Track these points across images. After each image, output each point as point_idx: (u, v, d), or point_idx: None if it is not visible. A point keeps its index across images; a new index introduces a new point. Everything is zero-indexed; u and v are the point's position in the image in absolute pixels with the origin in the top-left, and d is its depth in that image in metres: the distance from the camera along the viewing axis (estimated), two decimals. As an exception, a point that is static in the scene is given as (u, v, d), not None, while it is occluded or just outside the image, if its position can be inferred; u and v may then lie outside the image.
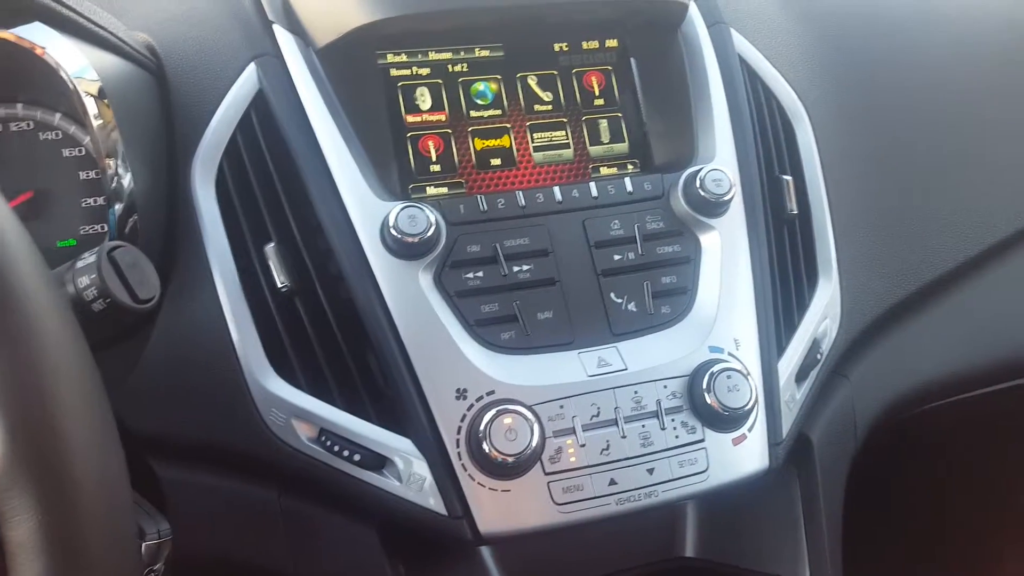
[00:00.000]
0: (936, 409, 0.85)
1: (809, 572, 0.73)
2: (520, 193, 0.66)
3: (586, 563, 0.76)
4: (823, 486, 0.74)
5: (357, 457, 0.60)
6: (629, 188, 0.68)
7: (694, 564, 0.77)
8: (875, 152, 0.81)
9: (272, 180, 0.63)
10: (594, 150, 0.73)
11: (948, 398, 0.86)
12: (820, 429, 0.74)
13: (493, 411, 0.58)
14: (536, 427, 0.58)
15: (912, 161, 0.83)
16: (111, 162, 0.62)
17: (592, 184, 0.67)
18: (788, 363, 0.69)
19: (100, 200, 0.68)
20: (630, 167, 0.74)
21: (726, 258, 0.67)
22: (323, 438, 0.61)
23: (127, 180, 0.63)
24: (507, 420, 0.58)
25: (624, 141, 0.74)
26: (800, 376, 0.70)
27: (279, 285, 0.61)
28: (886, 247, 0.80)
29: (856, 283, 0.76)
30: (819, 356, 0.71)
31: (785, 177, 0.74)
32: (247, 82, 0.65)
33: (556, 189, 0.66)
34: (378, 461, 0.61)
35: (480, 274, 0.63)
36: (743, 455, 0.64)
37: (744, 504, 0.73)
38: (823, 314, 0.73)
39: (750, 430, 0.64)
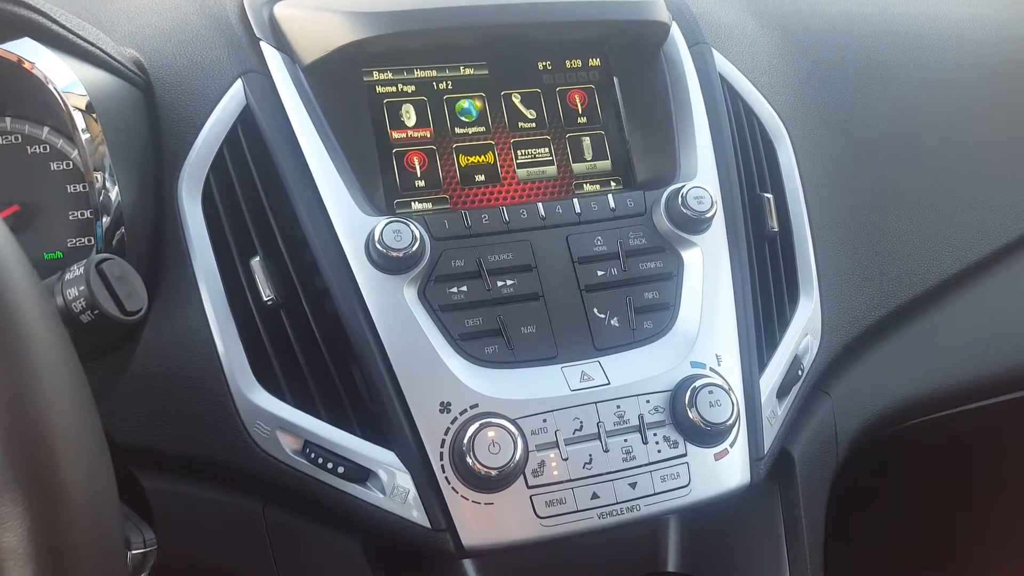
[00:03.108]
0: (917, 426, 0.86)
1: None
2: (504, 209, 0.66)
3: None
4: (804, 501, 0.74)
5: (341, 469, 0.60)
6: (612, 205, 0.69)
7: None
8: (855, 170, 0.83)
9: (258, 195, 0.64)
10: (577, 167, 0.74)
11: (929, 415, 0.86)
12: (801, 445, 0.75)
13: (476, 424, 0.58)
14: (519, 440, 0.59)
15: (892, 179, 0.84)
16: (98, 176, 0.63)
17: (575, 200, 0.68)
18: (769, 379, 0.70)
19: (87, 213, 0.68)
20: (613, 184, 0.74)
21: (708, 274, 0.68)
22: (307, 450, 0.61)
23: (114, 194, 0.63)
24: (490, 433, 0.58)
25: (607, 158, 0.75)
26: (781, 392, 0.71)
27: (265, 299, 0.62)
28: (866, 264, 0.81)
29: (837, 300, 0.77)
30: (800, 372, 0.72)
31: (766, 195, 0.75)
32: (234, 98, 0.66)
33: (540, 205, 0.67)
34: (362, 473, 0.61)
35: (464, 289, 0.63)
36: (725, 470, 0.65)
37: (726, 519, 0.72)
38: (804, 330, 0.74)
39: (732, 445, 0.65)
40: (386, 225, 0.61)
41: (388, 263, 0.61)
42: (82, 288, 0.47)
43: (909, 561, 1.07)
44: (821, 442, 0.76)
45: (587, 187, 0.74)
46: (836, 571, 0.79)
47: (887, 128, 0.85)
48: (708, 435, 0.63)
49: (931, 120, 0.89)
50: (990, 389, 0.90)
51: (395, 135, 0.70)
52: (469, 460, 0.58)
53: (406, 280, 0.62)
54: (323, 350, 0.62)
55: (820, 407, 0.77)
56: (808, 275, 0.76)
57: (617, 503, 0.61)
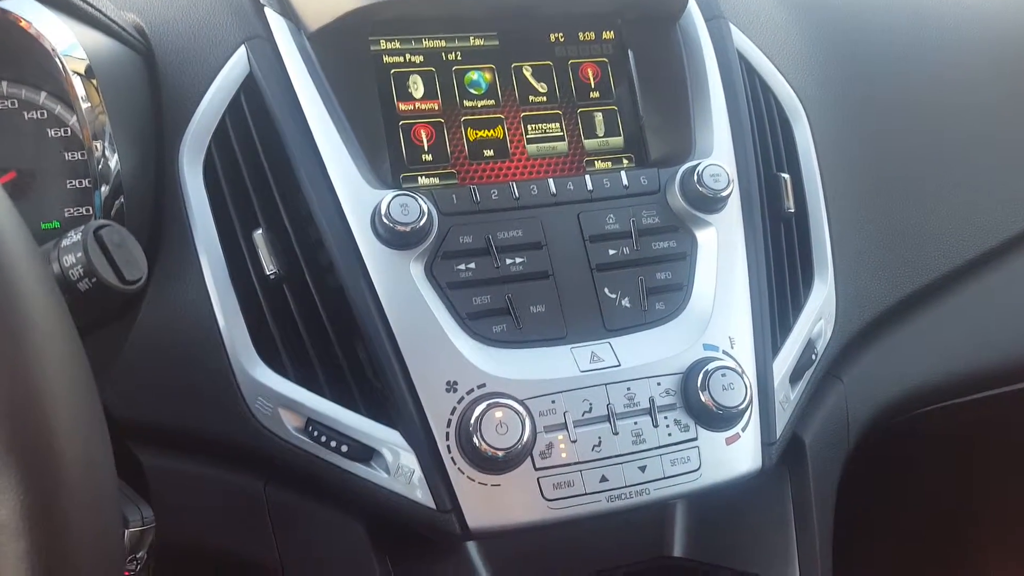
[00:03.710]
0: (929, 413, 0.85)
1: (799, 574, 0.72)
2: (514, 185, 0.65)
3: (573, 559, 0.75)
4: (815, 487, 0.73)
5: (344, 448, 0.59)
6: (625, 182, 0.67)
7: (681, 563, 0.77)
8: (873, 151, 0.81)
9: (261, 165, 0.62)
10: (589, 143, 0.72)
11: (941, 402, 0.85)
12: (813, 430, 0.74)
13: (484, 404, 0.57)
14: (527, 421, 0.57)
15: (911, 162, 0.83)
16: (97, 144, 0.61)
17: (587, 177, 0.66)
18: (783, 363, 0.69)
19: (85, 182, 0.67)
20: (625, 162, 0.72)
21: (722, 255, 0.67)
22: (310, 428, 0.60)
23: (113, 162, 0.61)
24: (498, 414, 0.57)
25: (619, 135, 0.73)
26: (794, 377, 0.70)
27: (267, 272, 0.60)
28: (882, 249, 0.79)
29: (851, 285, 0.76)
30: (814, 357, 0.71)
31: (783, 175, 0.73)
32: (237, 65, 0.64)
33: (551, 182, 0.65)
34: (366, 453, 0.60)
35: (472, 266, 0.62)
36: (736, 455, 0.64)
37: (734, 504, 0.72)
38: (818, 315, 0.73)
39: (743, 430, 0.64)
40: (393, 198, 0.59)
41: (395, 238, 0.60)
42: (79, 255, 0.45)
43: (917, 548, 1.06)
44: (832, 428, 0.75)
45: (598, 164, 0.72)
46: (844, 557, 0.78)
47: (907, 110, 0.83)
48: (720, 419, 0.62)
49: (953, 104, 0.87)
50: (1003, 377, 0.88)
51: (402, 107, 0.68)
52: (476, 440, 0.57)
53: (413, 256, 0.61)
54: (327, 326, 0.61)
55: (832, 392, 0.76)
56: (823, 258, 0.74)
57: (626, 486, 0.61)
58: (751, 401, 0.62)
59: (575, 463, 0.60)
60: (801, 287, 0.72)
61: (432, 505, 0.59)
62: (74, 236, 0.47)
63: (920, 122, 0.85)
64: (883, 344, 0.79)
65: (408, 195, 0.60)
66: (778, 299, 0.70)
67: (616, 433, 0.61)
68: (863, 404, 0.77)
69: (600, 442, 0.60)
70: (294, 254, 0.61)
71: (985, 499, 1.03)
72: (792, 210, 0.72)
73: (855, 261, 0.77)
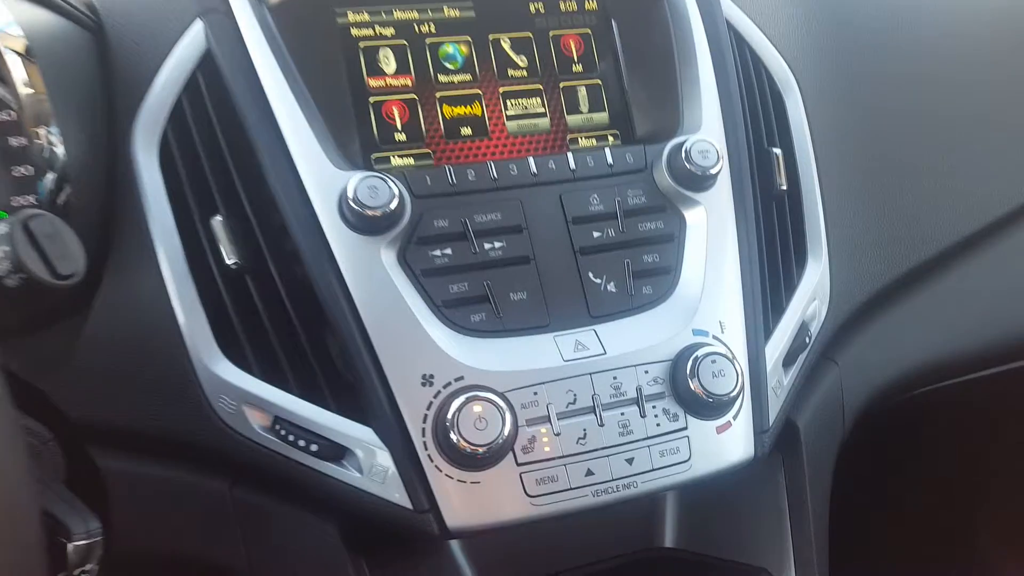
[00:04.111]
0: (925, 395, 0.83)
1: (794, 564, 0.71)
2: (492, 164, 0.62)
3: (560, 554, 0.73)
4: (810, 474, 0.72)
5: (314, 447, 0.57)
6: (610, 160, 0.64)
7: (672, 555, 0.75)
8: (867, 126, 0.79)
9: (220, 148, 0.59)
10: (572, 120, 0.69)
11: (938, 383, 0.84)
12: (807, 416, 0.72)
13: (462, 398, 0.55)
14: (508, 415, 0.56)
15: (906, 137, 0.80)
16: (40, 129, 0.57)
17: (570, 156, 0.63)
18: (775, 347, 0.66)
19: (30, 169, 0.62)
20: (610, 138, 0.70)
21: (712, 235, 0.64)
22: (277, 427, 0.58)
23: (60, 148, 0.58)
24: (477, 408, 0.55)
25: (604, 110, 0.70)
26: (787, 361, 0.68)
27: (228, 262, 0.58)
28: (877, 226, 0.77)
29: (845, 264, 0.74)
30: (807, 340, 0.69)
31: (775, 150, 0.70)
32: (193, 41, 0.61)
33: (531, 160, 0.63)
34: (337, 452, 0.58)
35: (448, 251, 0.59)
36: (727, 444, 0.62)
37: (726, 492, 0.70)
38: (812, 295, 0.70)
39: (735, 417, 0.62)
40: (361, 181, 0.56)
41: (364, 223, 0.57)
42: (7, 248, 0.41)
43: (916, 533, 1.05)
44: (827, 412, 0.74)
45: (582, 141, 0.69)
46: (841, 545, 0.76)
47: (902, 85, 0.81)
48: (710, 407, 0.60)
49: (950, 78, 0.84)
50: (1001, 356, 0.86)
51: (372, 83, 0.65)
52: (453, 437, 0.55)
53: (384, 242, 0.58)
54: (293, 318, 0.58)
55: (827, 376, 0.74)
56: (817, 237, 0.72)
57: (613, 480, 0.59)
58: (743, 388, 0.61)
59: (559, 457, 0.58)
60: (794, 267, 0.70)
61: (408, 505, 0.56)
62: (1, 228, 0.42)
63: (916, 97, 0.83)
64: (878, 325, 0.77)
65: (378, 177, 0.57)
66: (770, 280, 0.67)
67: (602, 425, 0.59)
68: (858, 387, 0.76)
69: (585, 434, 0.58)
70: (256, 242, 0.58)
71: (986, 481, 1.01)
72: (784, 187, 0.70)
73: (849, 239, 0.74)
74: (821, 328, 0.71)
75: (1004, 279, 0.85)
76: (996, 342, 0.85)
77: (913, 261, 0.78)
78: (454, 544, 0.72)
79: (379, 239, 0.58)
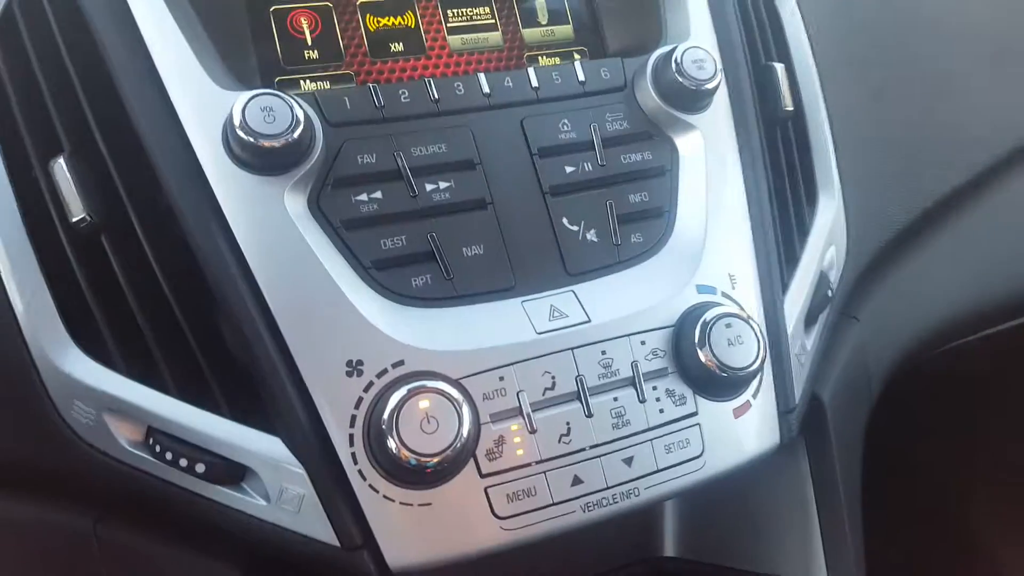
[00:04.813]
0: (959, 348, 0.76)
1: (826, 571, 0.62)
2: (431, 82, 0.54)
3: (541, 572, 0.63)
4: (839, 458, 0.64)
5: (201, 467, 0.48)
6: (581, 77, 0.57)
7: (676, 566, 0.66)
8: (879, 41, 0.74)
9: (64, 66, 0.51)
10: (529, 34, 0.62)
11: (974, 334, 0.77)
12: (832, 386, 0.65)
13: (402, 390, 0.46)
14: (466, 410, 0.47)
15: (925, 53, 0.75)
16: None
17: (531, 71, 0.56)
18: (794, 305, 0.60)
19: None
20: (576, 56, 0.62)
21: (712, 167, 0.57)
22: (152, 441, 0.49)
23: None
24: (423, 403, 0.46)
25: (567, 22, 0.63)
26: (808, 320, 0.61)
27: (75, 218, 0.48)
28: (893, 157, 0.71)
29: (860, 201, 0.68)
30: (829, 293, 0.62)
31: (776, 64, 0.63)
32: None
33: (481, 78, 0.55)
34: (233, 472, 0.48)
35: (377, 195, 0.50)
36: (747, 430, 0.54)
37: (738, 488, 0.62)
38: (827, 240, 0.64)
39: (755, 396, 0.54)
40: (251, 101, 0.47)
41: (258, 159, 0.48)
42: None
43: (958, 516, 0.96)
44: (853, 381, 0.68)
45: (543, 61, 0.62)
46: (873, 540, 0.67)
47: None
48: (726, 385, 0.53)
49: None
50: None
51: (272, -15, 0.56)
52: (392, 444, 0.45)
53: (288, 184, 0.49)
54: (166, 291, 0.49)
55: (848, 336, 0.68)
56: (827, 170, 0.66)
57: (608, 488, 0.50)
58: (765, 357, 0.53)
59: (536, 463, 0.49)
60: (805, 207, 0.64)
61: (334, 541, 0.48)
62: None
63: (939, 4, 0.77)
64: (901, 272, 0.72)
65: (274, 95, 0.48)
66: (780, 223, 0.61)
67: (590, 415, 0.50)
68: (885, 346, 0.70)
69: (569, 430, 0.50)
70: (113, 190, 0.49)
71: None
72: (790, 109, 0.63)
73: (862, 173, 0.68)
74: (840, 279, 0.65)
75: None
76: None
77: (937, 195, 0.73)
78: None
79: (280, 180, 0.48)
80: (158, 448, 0.48)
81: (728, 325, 0.51)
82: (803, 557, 0.63)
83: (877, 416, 0.68)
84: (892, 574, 0.80)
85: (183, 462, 0.48)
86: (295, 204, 0.48)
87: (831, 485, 0.63)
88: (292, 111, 0.47)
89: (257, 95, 0.47)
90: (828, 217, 0.64)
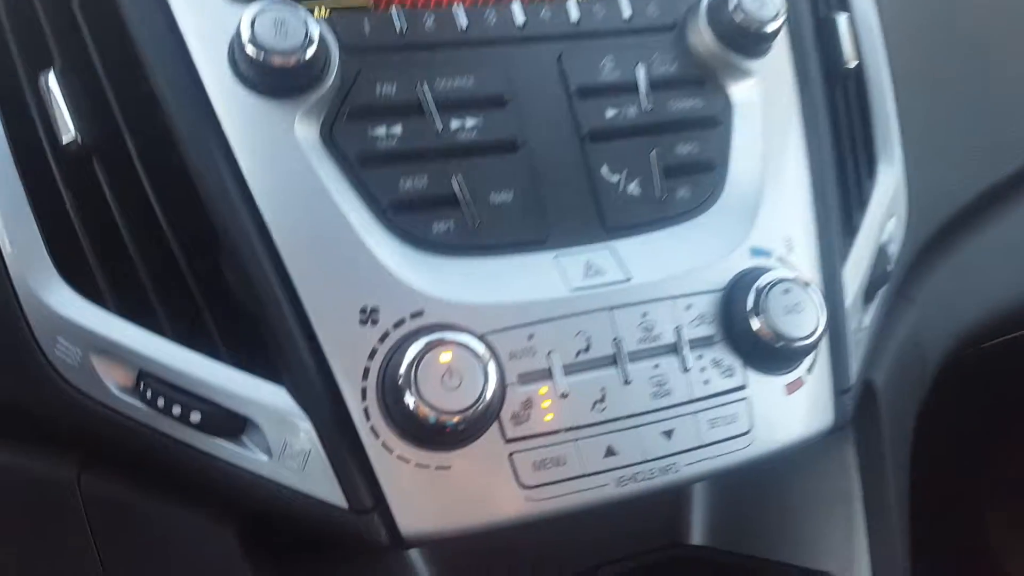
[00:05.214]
0: (1019, 339, 0.73)
1: (871, 566, 0.57)
2: (460, 9, 0.49)
3: (556, 554, 0.59)
4: (890, 449, 0.59)
5: (196, 416, 0.44)
6: (626, 12, 0.53)
7: (703, 555, 0.61)
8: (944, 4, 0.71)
9: None
10: None
11: None
12: (885, 370, 0.60)
13: (421, 343, 0.43)
14: (492, 368, 0.43)
15: (992, 12, 0.71)
16: None
17: (571, 2, 0.52)
18: (853, 276, 0.56)
19: None
20: None
21: (770, 119, 0.53)
22: (142, 386, 0.45)
23: None
24: (444, 357, 0.42)
25: None
26: (867, 296, 0.57)
27: (65, 139, 0.45)
28: (959, 125, 0.68)
29: (922, 172, 0.64)
30: (889, 268, 0.59)
31: (839, 14, 0.59)
32: None
33: (516, 6, 0.51)
34: (232, 423, 0.45)
35: (397, 130, 0.47)
36: (799, 408, 0.50)
37: (774, 475, 0.59)
38: (887, 211, 0.60)
39: (810, 371, 0.50)
40: (262, 12, 0.43)
41: (268, 78, 0.44)
42: None
43: (1015, 511, 0.91)
44: (906, 365, 0.63)
45: None
46: (921, 537, 0.63)
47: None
48: (780, 357, 0.49)
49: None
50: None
51: None
52: (410, 400, 0.42)
53: (300, 110, 0.45)
54: (163, 222, 0.45)
55: (903, 318, 0.64)
56: (888, 135, 0.62)
57: (644, 462, 0.47)
58: (825, 329, 0.48)
59: (567, 430, 0.46)
60: (864, 173, 0.61)
61: (342, 503, 0.44)
62: None
63: None
64: (961, 252, 0.68)
65: (287, 6, 0.44)
66: (839, 188, 0.57)
67: (628, 382, 0.47)
68: (940, 331, 0.67)
69: (604, 396, 0.46)
70: (107, 109, 0.46)
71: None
72: (853, 64, 0.59)
73: (925, 141, 0.65)
74: (899, 255, 0.61)
75: None
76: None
77: (1004, 171, 0.69)
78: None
79: (291, 106, 0.44)
80: (149, 394, 0.44)
81: (786, 291, 0.47)
82: (845, 553, 0.58)
83: (929, 406, 0.64)
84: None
85: (176, 410, 0.44)
86: (306, 132, 0.44)
87: (880, 478, 0.58)
88: (307, 27, 0.43)
89: (269, 6, 0.43)
90: (888, 186, 0.60)
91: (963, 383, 0.70)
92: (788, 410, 0.50)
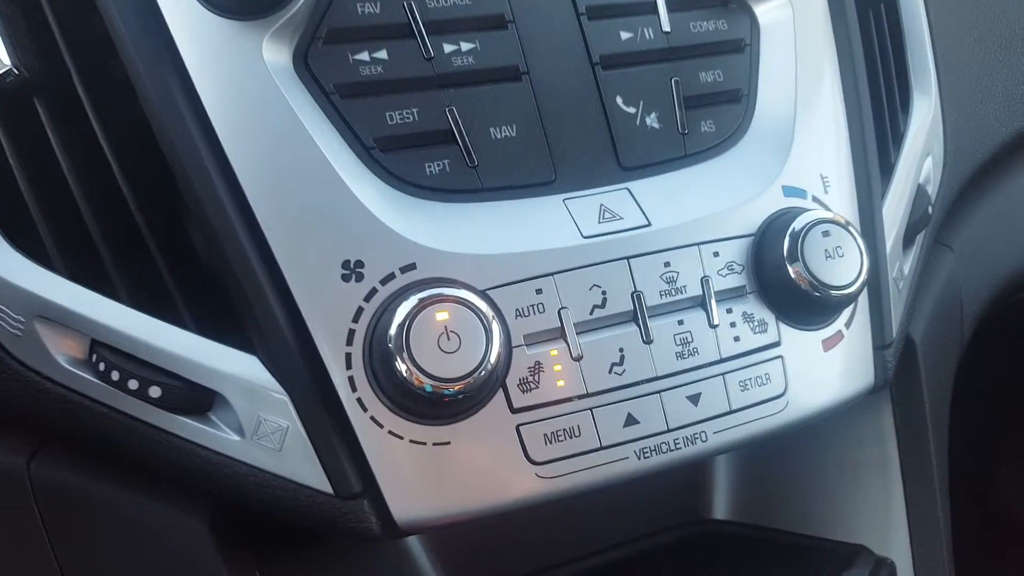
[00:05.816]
0: None
1: (911, 541, 0.54)
2: None
3: (570, 532, 0.56)
4: (930, 411, 0.55)
5: (156, 391, 0.40)
6: None
7: (727, 530, 0.58)
8: None
9: None
10: None
11: None
12: (923, 324, 0.57)
13: (413, 300, 0.39)
14: (495, 328, 0.40)
15: None
16: None
17: None
18: (891, 220, 0.51)
19: None
20: None
21: (801, 41, 0.49)
22: (95, 358, 0.41)
23: None
24: (440, 316, 0.39)
25: None
26: (907, 240, 0.53)
27: (1, 70, 0.41)
28: (997, 57, 0.64)
29: (959, 108, 0.61)
30: (929, 210, 0.55)
31: None
32: None
33: None
34: (197, 398, 0.41)
35: (382, 55, 0.42)
36: (837, 366, 0.47)
37: (797, 441, 0.55)
38: (924, 150, 0.56)
39: (848, 325, 0.46)
40: None
41: None
42: None
43: None
44: (944, 319, 0.60)
45: None
46: (963, 508, 0.60)
47: None
48: (817, 308, 0.45)
49: None
50: None
51: None
52: (401, 365, 0.38)
53: (268, 32, 0.40)
54: (115, 170, 0.41)
55: (940, 266, 0.60)
56: (924, 67, 0.59)
57: (669, 431, 0.43)
58: (868, 275, 0.44)
59: (581, 397, 0.42)
60: (899, 108, 0.56)
61: (327, 488, 0.40)
62: None
63: None
64: (1001, 196, 0.65)
65: None
66: (875, 123, 0.53)
67: (649, 341, 0.43)
68: (978, 281, 0.63)
69: (623, 358, 0.43)
70: (48, 36, 0.41)
71: None
72: None
73: (962, 74, 0.62)
74: (937, 197, 0.57)
75: None
76: None
77: None
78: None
79: (258, 27, 0.40)
80: (102, 366, 0.40)
81: (825, 233, 0.43)
82: (882, 525, 0.55)
83: (967, 363, 0.61)
84: (979, 548, 0.72)
85: (133, 384, 0.40)
86: (277, 57, 0.40)
87: (920, 443, 0.55)
88: None
89: None
90: (925, 120, 0.57)
91: (1003, 337, 0.67)
92: (826, 369, 0.46)
